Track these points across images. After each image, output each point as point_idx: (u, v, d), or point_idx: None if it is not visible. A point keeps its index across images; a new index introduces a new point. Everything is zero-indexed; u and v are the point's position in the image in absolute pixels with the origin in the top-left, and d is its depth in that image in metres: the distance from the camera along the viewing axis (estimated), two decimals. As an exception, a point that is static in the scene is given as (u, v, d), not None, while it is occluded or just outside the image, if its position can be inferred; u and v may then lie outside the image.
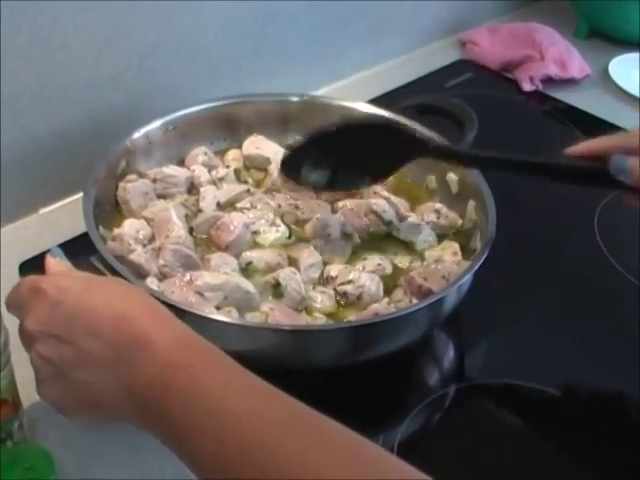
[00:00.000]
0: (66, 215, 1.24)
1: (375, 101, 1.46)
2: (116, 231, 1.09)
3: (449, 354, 1.16)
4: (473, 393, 1.08)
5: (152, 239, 1.11)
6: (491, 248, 1.05)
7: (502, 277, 1.19)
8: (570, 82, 1.71)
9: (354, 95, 1.46)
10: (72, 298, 0.77)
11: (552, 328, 1.17)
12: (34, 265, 1.14)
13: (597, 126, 1.59)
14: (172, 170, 1.21)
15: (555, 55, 1.71)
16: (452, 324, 1.12)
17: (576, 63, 1.72)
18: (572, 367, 1.11)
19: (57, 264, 0.88)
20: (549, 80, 1.69)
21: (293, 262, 1.10)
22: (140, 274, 1.03)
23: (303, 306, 1.06)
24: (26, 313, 0.80)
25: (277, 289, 1.06)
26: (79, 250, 1.01)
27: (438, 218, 1.20)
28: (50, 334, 0.77)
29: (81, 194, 1.08)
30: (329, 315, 1.06)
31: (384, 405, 1.05)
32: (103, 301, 0.76)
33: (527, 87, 1.68)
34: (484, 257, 1.04)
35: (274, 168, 1.25)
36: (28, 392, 0.95)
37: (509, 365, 1.11)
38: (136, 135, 1.21)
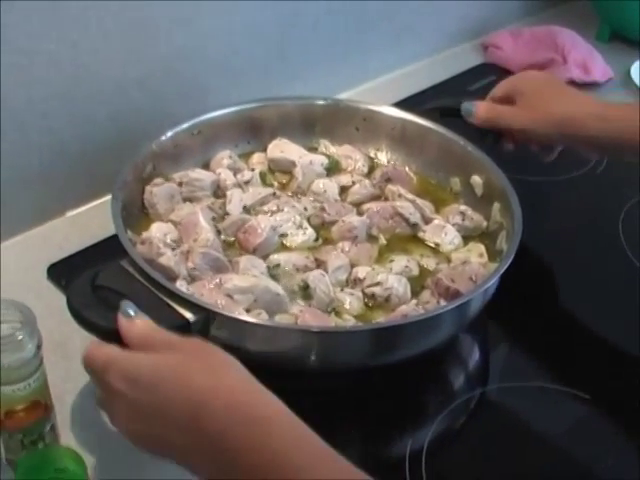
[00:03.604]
0: (93, 218, 1.25)
1: (399, 104, 1.47)
2: (144, 235, 1.10)
3: (475, 356, 1.17)
4: (500, 395, 1.08)
5: (180, 242, 1.11)
6: (516, 252, 1.05)
7: (527, 278, 1.19)
8: (593, 85, 1.71)
9: (378, 98, 1.47)
10: (144, 395, 0.77)
11: (577, 330, 1.17)
12: (62, 268, 1.15)
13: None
14: (198, 174, 1.22)
15: (578, 58, 1.71)
16: (478, 326, 1.12)
17: (599, 66, 1.72)
18: (598, 369, 1.11)
19: (130, 327, 0.84)
20: (572, 83, 1.68)
21: (320, 264, 1.11)
22: (170, 277, 1.03)
23: (332, 308, 1.06)
24: (110, 413, 0.81)
25: (306, 291, 1.06)
26: (107, 253, 1.02)
27: (463, 220, 1.20)
28: (137, 429, 0.78)
29: (108, 197, 1.10)
30: (358, 317, 1.06)
31: (411, 408, 1.05)
32: (172, 395, 0.75)
33: (550, 91, 1.67)
34: (511, 259, 1.04)
35: (299, 171, 1.26)
36: (60, 394, 0.97)
37: (535, 367, 1.11)
38: (162, 139, 1.21)
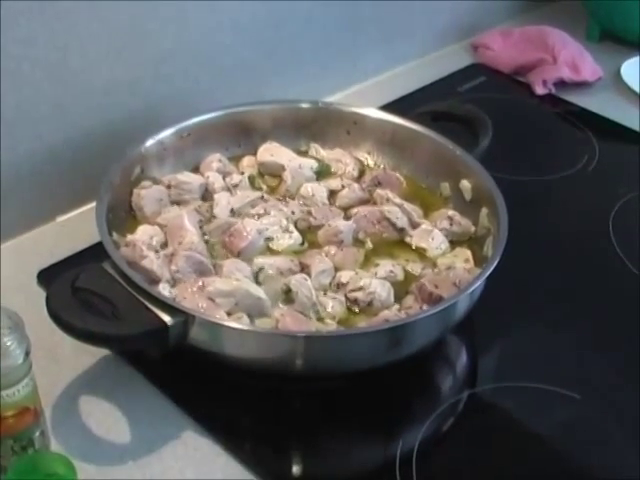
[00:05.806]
0: (83, 223, 1.22)
1: (389, 106, 1.48)
2: (129, 237, 1.10)
3: (463, 358, 1.16)
4: (489, 397, 1.08)
5: (165, 245, 1.11)
6: (504, 253, 1.05)
7: (516, 282, 1.19)
8: (583, 85, 1.71)
9: (368, 99, 1.48)
10: None
11: (566, 331, 1.17)
12: (52, 273, 1.15)
13: (610, 129, 1.60)
14: (186, 177, 1.22)
15: (567, 58, 1.71)
16: (466, 329, 1.12)
17: (588, 66, 1.72)
18: (587, 369, 1.11)
19: None
20: (562, 83, 1.69)
21: (305, 268, 1.11)
22: (152, 280, 1.04)
23: (314, 312, 1.05)
24: None
25: (288, 295, 1.06)
26: (97, 258, 1.02)
27: (451, 225, 1.20)
28: None
29: (97, 201, 1.09)
30: (340, 321, 1.06)
31: (401, 411, 1.05)
32: None
33: (540, 90, 1.68)
34: (495, 263, 1.04)
35: (288, 175, 1.26)
36: (49, 400, 0.97)
37: (524, 368, 1.11)
38: (150, 142, 1.22)
